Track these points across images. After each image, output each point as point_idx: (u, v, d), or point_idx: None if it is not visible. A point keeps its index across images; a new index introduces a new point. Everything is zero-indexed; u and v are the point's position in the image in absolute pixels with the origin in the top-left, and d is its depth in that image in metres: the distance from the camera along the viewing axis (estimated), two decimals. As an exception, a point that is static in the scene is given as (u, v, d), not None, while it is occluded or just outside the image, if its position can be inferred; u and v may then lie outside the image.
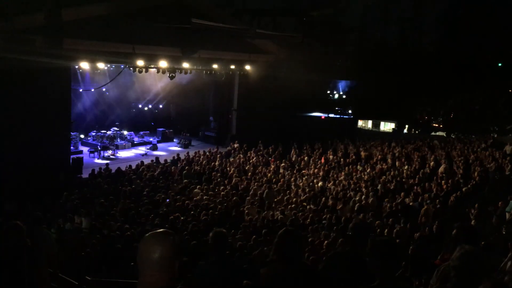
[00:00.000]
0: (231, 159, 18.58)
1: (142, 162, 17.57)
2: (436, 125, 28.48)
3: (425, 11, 32.54)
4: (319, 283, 3.38)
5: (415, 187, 13.23)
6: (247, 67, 22.01)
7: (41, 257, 4.23)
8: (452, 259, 2.94)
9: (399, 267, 2.88)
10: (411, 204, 11.64)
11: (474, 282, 2.80)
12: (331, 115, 28.52)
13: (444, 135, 26.36)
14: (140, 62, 17.82)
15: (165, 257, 2.07)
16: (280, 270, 3.28)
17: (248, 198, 13.03)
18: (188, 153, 19.48)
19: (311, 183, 14.64)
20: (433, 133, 27.12)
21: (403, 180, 14.33)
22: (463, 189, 12.12)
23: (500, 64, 29.16)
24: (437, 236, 6.71)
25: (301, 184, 14.66)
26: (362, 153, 18.69)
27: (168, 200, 12.67)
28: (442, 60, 28.54)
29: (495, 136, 24.39)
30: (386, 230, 8.53)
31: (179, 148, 23.28)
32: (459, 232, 3.83)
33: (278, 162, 17.93)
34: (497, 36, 29.17)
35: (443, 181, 13.39)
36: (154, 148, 22.58)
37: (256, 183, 14.61)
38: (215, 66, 20.74)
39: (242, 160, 18.27)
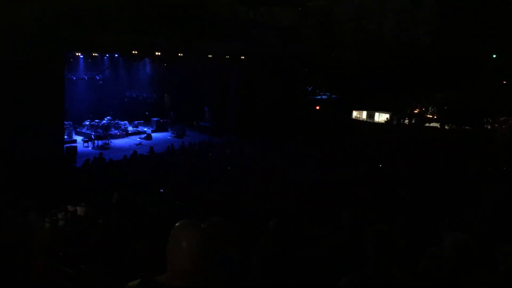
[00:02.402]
0: (227, 150, 18.58)
1: (135, 151, 17.54)
2: (430, 116, 28.58)
3: (422, 2, 32.47)
4: (313, 274, 3.41)
5: (410, 179, 13.28)
6: (244, 58, 21.94)
7: (33, 246, 4.22)
8: (445, 248, 2.94)
9: (393, 256, 2.89)
10: (406, 195, 11.68)
11: (467, 271, 2.81)
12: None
13: (438, 126, 26.49)
14: (135, 52, 17.73)
15: (194, 246, 2.06)
16: (273, 262, 3.29)
17: (243, 189, 13.03)
18: (183, 143, 19.46)
19: (307, 175, 14.64)
20: (427, 124, 27.24)
21: (399, 171, 14.38)
22: (458, 181, 12.19)
23: (494, 56, 29.21)
24: (430, 227, 6.76)
25: (297, 175, 14.66)
26: (359, 145, 18.73)
27: (162, 190, 12.67)
28: (437, 52, 28.56)
29: (489, 127, 24.56)
30: (381, 221, 8.55)
31: (174, 138, 23.26)
32: (450, 222, 3.86)
33: (274, 153, 17.93)
34: (493, 28, 29.17)
35: (438, 173, 13.45)
36: (149, 137, 22.54)
37: (252, 174, 14.60)
38: (211, 56, 20.66)
39: (237, 151, 18.26)
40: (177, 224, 2.13)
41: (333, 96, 30.62)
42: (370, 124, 28.89)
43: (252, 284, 3.39)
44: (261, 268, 3.38)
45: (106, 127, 21.53)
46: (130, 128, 23.75)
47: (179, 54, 19.22)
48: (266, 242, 3.47)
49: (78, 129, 22.25)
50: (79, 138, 21.16)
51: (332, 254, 3.64)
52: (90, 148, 20.16)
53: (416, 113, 28.94)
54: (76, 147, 18.37)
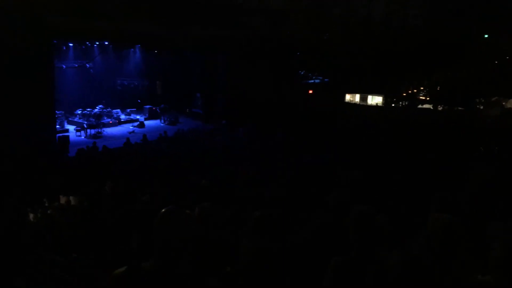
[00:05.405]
0: (218, 137, 18.56)
1: (128, 139, 17.50)
2: (423, 98, 28.60)
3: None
4: (299, 259, 3.43)
5: (401, 161, 13.34)
6: (233, 43, 21.77)
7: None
8: (430, 229, 2.96)
9: (379, 239, 2.93)
10: (395, 177, 11.74)
11: (453, 252, 2.82)
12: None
13: (431, 107, 26.53)
14: (125, 39, 17.55)
15: (179, 233, 2.05)
16: (261, 247, 3.31)
17: (235, 175, 13.05)
18: (178, 129, 19.45)
19: (297, 160, 14.67)
20: (419, 106, 27.27)
21: (390, 154, 14.43)
22: (449, 162, 12.26)
23: (486, 36, 29.12)
24: (420, 208, 6.82)
25: (288, 160, 14.68)
26: (350, 127, 18.76)
27: (156, 178, 12.64)
28: (428, 34, 28.44)
29: (481, 108, 24.65)
30: (367, 204, 8.58)
31: (167, 125, 23.21)
32: (438, 202, 3.89)
33: (266, 138, 17.92)
34: (482, 9, 29.04)
35: (429, 155, 13.52)
36: (142, 125, 22.46)
37: (243, 160, 14.60)
38: (202, 42, 20.48)
39: (228, 137, 18.25)
40: (162, 210, 2.12)
41: (325, 80, 30.52)
42: (363, 107, 28.89)
43: (239, 271, 3.42)
44: (248, 255, 3.41)
45: (99, 116, 21.43)
46: (122, 116, 23.65)
47: (171, 41, 19.02)
48: (248, 234, 3.50)
49: (70, 118, 22.14)
50: (71, 128, 21.06)
51: (317, 237, 3.67)
52: (82, 137, 20.09)
53: (409, 95, 28.96)
54: (68, 136, 18.30)
